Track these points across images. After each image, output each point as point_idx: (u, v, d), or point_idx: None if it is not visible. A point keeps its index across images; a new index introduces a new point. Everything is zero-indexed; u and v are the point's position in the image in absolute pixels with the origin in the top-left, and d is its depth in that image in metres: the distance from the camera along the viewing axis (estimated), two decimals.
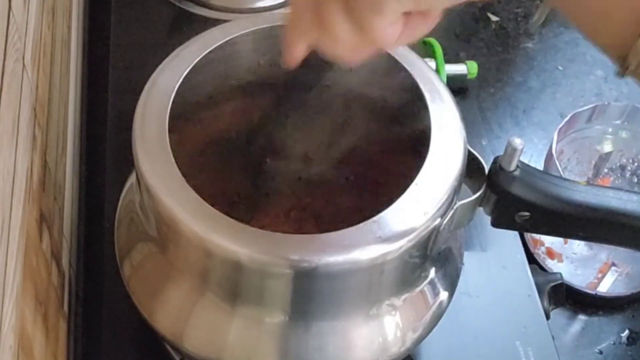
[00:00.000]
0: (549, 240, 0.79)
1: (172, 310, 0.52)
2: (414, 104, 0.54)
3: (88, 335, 0.64)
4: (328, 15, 0.42)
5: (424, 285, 0.54)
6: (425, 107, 0.53)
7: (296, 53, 0.45)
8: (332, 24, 0.42)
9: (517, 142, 0.50)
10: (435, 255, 0.54)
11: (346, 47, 0.43)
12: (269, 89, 0.61)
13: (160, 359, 0.62)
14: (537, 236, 0.78)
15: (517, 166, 0.51)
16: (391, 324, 0.52)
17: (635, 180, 0.84)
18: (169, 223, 0.48)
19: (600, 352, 0.74)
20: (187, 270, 0.51)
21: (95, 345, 0.62)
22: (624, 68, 0.42)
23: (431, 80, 0.54)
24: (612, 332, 0.75)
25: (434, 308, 0.55)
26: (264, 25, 0.56)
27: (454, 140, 0.52)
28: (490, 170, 0.52)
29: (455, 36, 0.96)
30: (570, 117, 0.80)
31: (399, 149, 0.60)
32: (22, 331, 0.48)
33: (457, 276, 0.57)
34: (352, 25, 0.41)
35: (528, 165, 0.52)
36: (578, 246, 0.80)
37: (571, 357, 0.73)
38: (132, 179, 0.57)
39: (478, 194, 0.52)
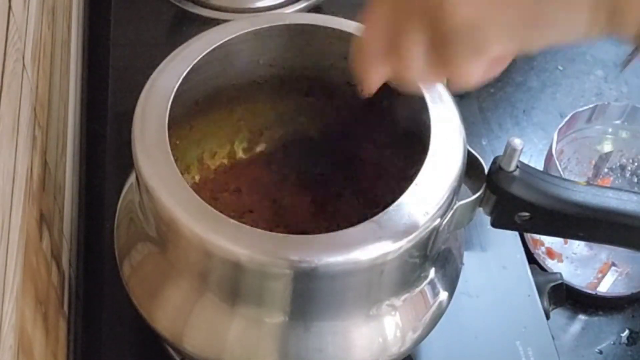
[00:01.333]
0: (549, 240, 0.79)
1: (172, 311, 0.52)
2: (413, 104, 0.54)
3: (88, 335, 0.64)
4: (408, 46, 0.39)
5: (424, 286, 0.54)
6: (425, 107, 0.53)
7: (372, 83, 0.43)
8: (412, 56, 0.39)
9: (517, 142, 0.50)
10: (435, 256, 0.54)
11: (419, 78, 0.41)
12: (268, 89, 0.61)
13: (160, 359, 0.62)
14: (537, 236, 0.78)
15: (517, 166, 0.51)
16: (391, 324, 0.52)
17: (635, 180, 0.84)
18: (168, 223, 0.48)
19: (600, 352, 0.74)
20: (187, 270, 0.51)
21: (95, 345, 0.62)
22: None
23: None
24: (612, 332, 0.75)
25: (433, 308, 0.55)
26: (264, 25, 0.56)
27: (453, 140, 0.51)
28: (490, 171, 0.52)
29: None
30: (570, 117, 0.80)
31: (399, 149, 0.60)
32: (22, 331, 0.48)
33: (457, 276, 0.57)
34: (435, 60, 0.39)
35: (528, 166, 0.52)
36: (578, 246, 0.79)
37: (571, 357, 0.73)
38: (132, 179, 0.57)
39: (478, 194, 0.52)
